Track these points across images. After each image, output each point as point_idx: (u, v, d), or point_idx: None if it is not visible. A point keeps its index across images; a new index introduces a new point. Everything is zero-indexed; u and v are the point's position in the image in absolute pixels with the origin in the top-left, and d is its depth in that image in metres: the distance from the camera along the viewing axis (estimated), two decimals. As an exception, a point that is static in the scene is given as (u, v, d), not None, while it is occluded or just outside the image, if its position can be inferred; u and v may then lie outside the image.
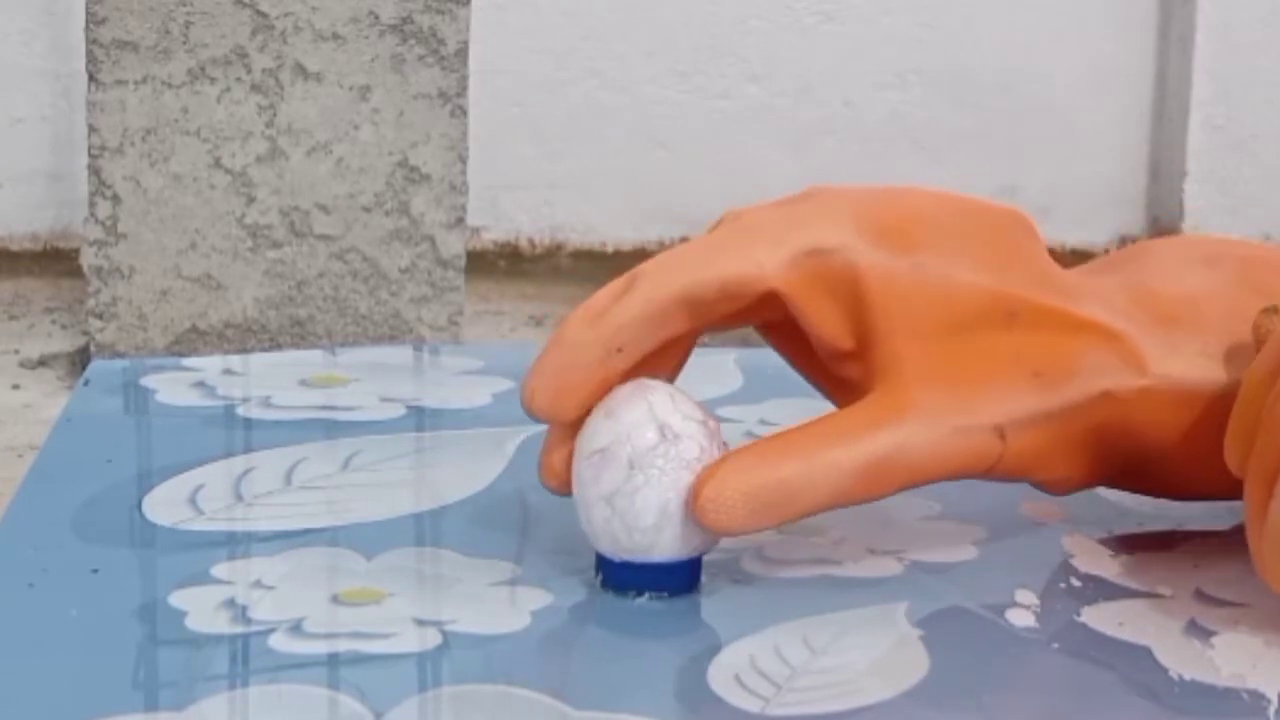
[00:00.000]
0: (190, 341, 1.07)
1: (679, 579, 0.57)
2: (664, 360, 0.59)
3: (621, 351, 0.57)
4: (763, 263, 0.57)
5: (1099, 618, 0.57)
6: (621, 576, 0.57)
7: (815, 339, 0.59)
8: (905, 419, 0.57)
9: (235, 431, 0.73)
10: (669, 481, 0.56)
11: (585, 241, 1.92)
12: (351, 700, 0.50)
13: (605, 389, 0.57)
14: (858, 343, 0.58)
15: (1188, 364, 0.59)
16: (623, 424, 0.56)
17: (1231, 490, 0.58)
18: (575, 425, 0.58)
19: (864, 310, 0.58)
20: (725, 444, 0.57)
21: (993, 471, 0.59)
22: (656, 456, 0.56)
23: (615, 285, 0.58)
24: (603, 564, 0.58)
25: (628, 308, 0.57)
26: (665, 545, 0.56)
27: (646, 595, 0.57)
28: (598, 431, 0.57)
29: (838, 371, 0.60)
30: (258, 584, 0.58)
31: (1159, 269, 0.62)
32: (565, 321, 0.58)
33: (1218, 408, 0.59)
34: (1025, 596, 0.58)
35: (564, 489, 0.58)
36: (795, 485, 0.56)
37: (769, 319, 0.60)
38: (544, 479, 0.59)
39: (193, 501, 0.65)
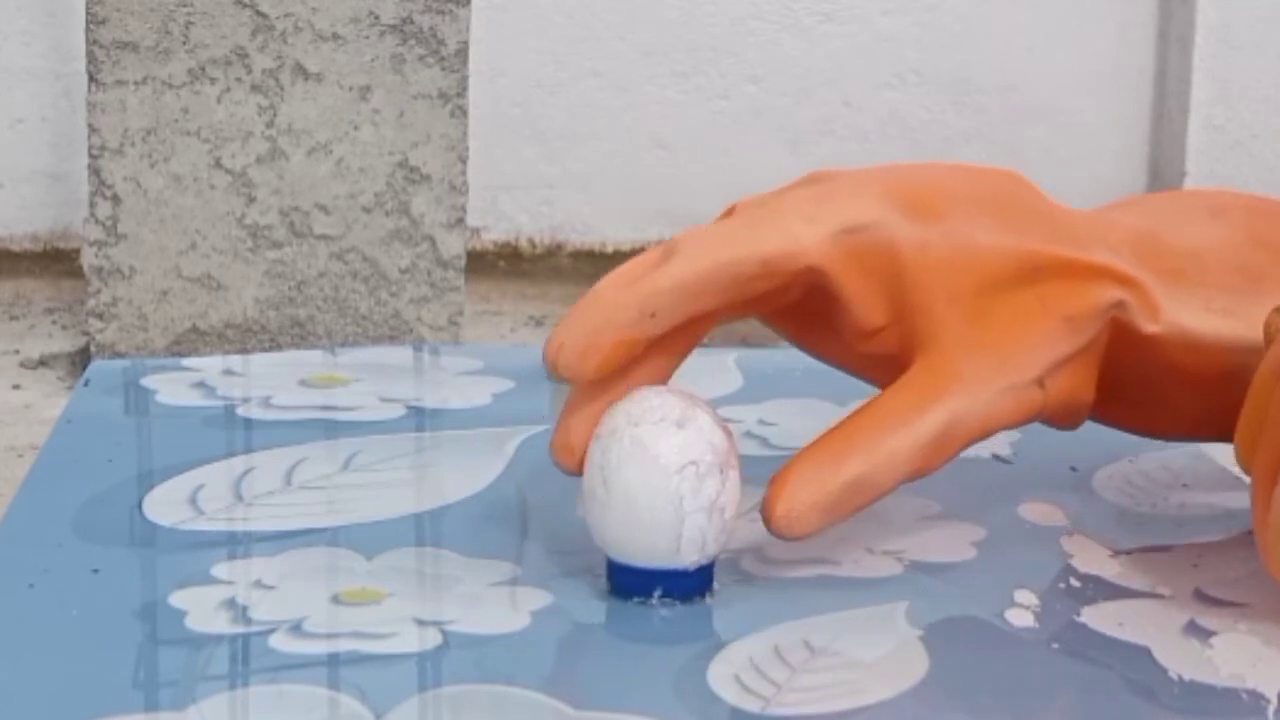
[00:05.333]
0: (190, 341, 1.07)
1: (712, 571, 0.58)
2: (675, 346, 0.59)
3: (655, 317, 0.57)
4: (802, 238, 0.58)
5: (1099, 618, 0.57)
6: (694, 583, 0.57)
7: (848, 317, 0.59)
8: (954, 390, 0.58)
9: (235, 431, 0.73)
10: (736, 476, 0.57)
11: (585, 241, 1.91)
12: (351, 700, 0.50)
13: (631, 354, 0.57)
14: (893, 316, 0.59)
15: (1195, 318, 0.61)
16: (700, 432, 0.56)
17: (1210, 431, 0.61)
18: (594, 403, 0.57)
19: (901, 284, 0.59)
20: None
21: (1035, 419, 0.60)
22: (731, 456, 0.57)
23: (650, 254, 0.57)
24: (671, 576, 0.57)
25: (668, 274, 0.57)
26: (727, 540, 0.57)
27: (706, 597, 0.58)
28: (678, 445, 0.56)
29: (864, 349, 0.60)
30: (258, 584, 0.58)
31: (1165, 219, 0.63)
32: (598, 285, 0.57)
33: (1221, 360, 0.60)
34: (1025, 596, 0.58)
35: (579, 469, 0.58)
36: (862, 484, 0.57)
37: (790, 302, 0.60)
38: (560, 458, 0.58)
39: (193, 501, 0.65)
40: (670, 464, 0.56)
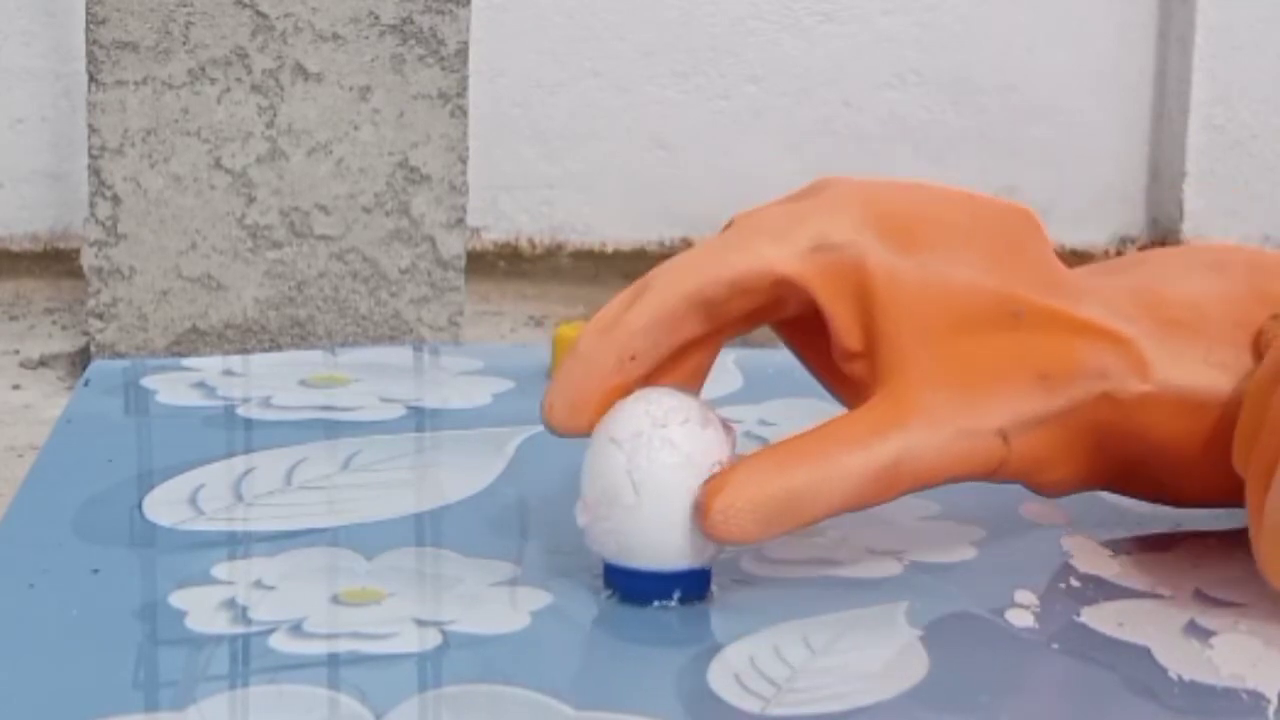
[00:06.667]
0: (190, 342, 1.07)
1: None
2: (685, 367, 0.59)
3: (635, 359, 0.57)
4: (768, 256, 0.57)
5: (1099, 618, 0.57)
6: (706, 582, 0.58)
7: (831, 334, 0.59)
8: (911, 424, 0.56)
9: (235, 431, 0.73)
10: None
11: (585, 241, 1.91)
12: (351, 700, 0.50)
13: (620, 398, 0.57)
14: (865, 343, 0.58)
15: (1191, 371, 0.59)
16: (718, 431, 0.57)
17: (1229, 497, 0.58)
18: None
19: (871, 308, 0.58)
20: None
21: (996, 475, 0.58)
22: (735, 453, 0.57)
23: (625, 294, 0.58)
24: (690, 577, 0.57)
25: (639, 314, 0.57)
26: None
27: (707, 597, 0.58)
28: (706, 444, 0.56)
29: (845, 370, 0.59)
30: (258, 584, 0.58)
31: (1165, 272, 0.61)
32: (580, 335, 0.57)
33: (1219, 416, 0.58)
34: (1025, 597, 0.58)
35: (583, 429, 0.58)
36: (803, 495, 0.56)
37: (783, 316, 0.60)
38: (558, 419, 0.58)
39: (193, 501, 0.65)
40: (702, 463, 0.56)
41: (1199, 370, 0.59)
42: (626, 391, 0.57)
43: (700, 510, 0.55)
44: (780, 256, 0.57)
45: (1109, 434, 0.59)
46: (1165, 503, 0.63)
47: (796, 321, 0.61)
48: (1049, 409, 0.58)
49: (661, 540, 0.56)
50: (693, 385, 0.59)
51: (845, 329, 0.58)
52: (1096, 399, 0.58)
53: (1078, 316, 0.58)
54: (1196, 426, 0.59)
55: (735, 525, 0.55)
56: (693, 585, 0.57)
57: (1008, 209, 0.60)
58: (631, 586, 0.57)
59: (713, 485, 0.55)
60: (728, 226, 0.59)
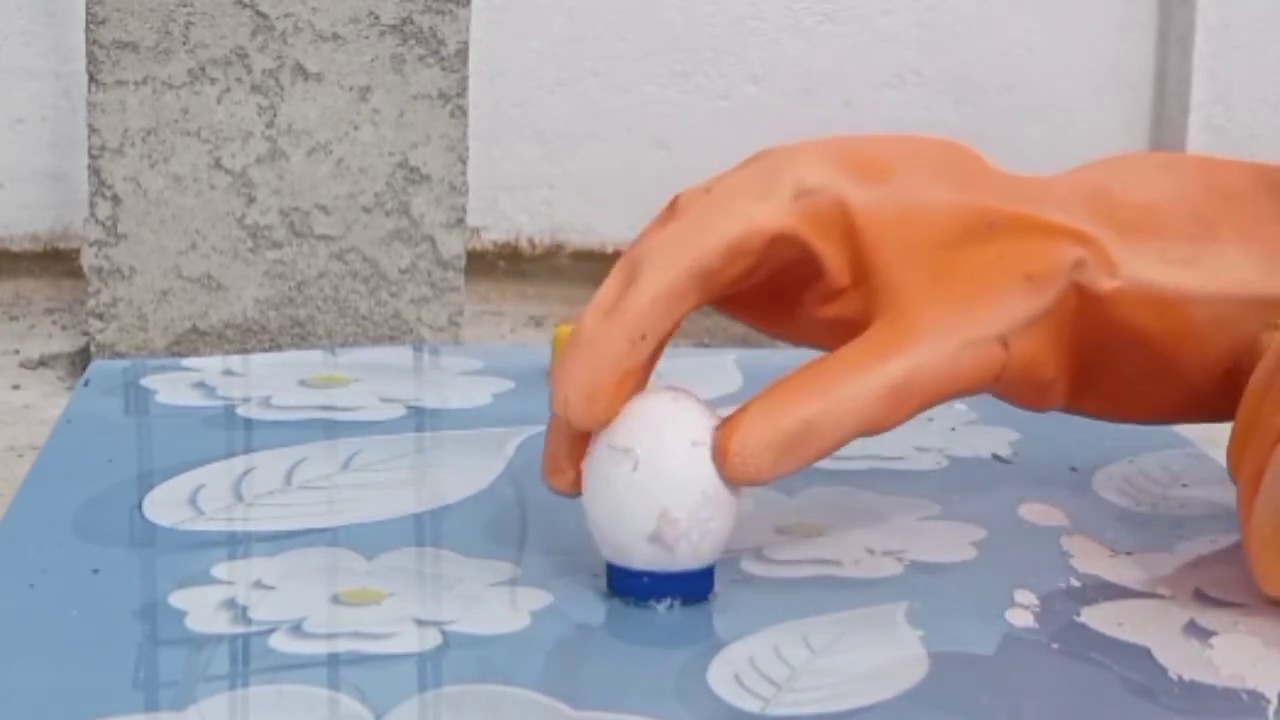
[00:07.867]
0: (190, 342, 1.07)
1: None
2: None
3: (645, 339, 0.57)
4: (757, 216, 0.58)
5: (1098, 618, 0.57)
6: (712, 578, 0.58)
7: (821, 277, 0.59)
8: (914, 342, 0.57)
9: (235, 431, 0.73)
10: None
11: (585, 241, 1.91)
12: (351, 700, 0.50)
13: (633, 381, 0.57)
14: (854, 277, 0.59)
15: (1151, 269, 0.60)
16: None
17: (1201, 409, 0.61)
18: (586, 434, 0.58)
19: (857, 242, 0.59)
20: None
21: (997, 383, 0.59)
22: None
23: (615, 277, 0.58)
24: (711, 575, 0.57)
25: (643, 293, 0.57)
26: None
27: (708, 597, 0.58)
28: None
29: (833, 314, 0.60)
30: (258, 584, 0.58)
31: (1117, 175, 0.63)
32: (580, 323, 0.57)
33: (1184, 311, 0.60)
34: (1025, 596, 0.58)
35: (574, 488, 0.58)
36: (818, 424, 0.56)
37: (761, 278, 0.60)
38: (553, 483, 0.59)
39: (193, 501, 0.65)
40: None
41: (1160, 268, 0.60)
42: (637, 374, 0.57)
43: (718, 453, 0.55)
44: (768, 213, 0.58)
45: (1089, 329, 0.60)
46: (1144, 419, 0.64)
47: (745, 295, 0.61)
48: (1038, 308, 0.59)
49: (728, 532, 0.56)
50: (657, 359, 0.59)
51: (835, 268, 0.59)
52: (1075, 291, 0.59)
53: (1046, 219, 0.60)
54: (1163, 323, 0.60)
55: (753, 463, 0.55)
56: (712, 579, 0.58)
57: (941, 140, 0.62)
58: (701, 584, 0.57)
59: (726, 428, 0.56)
60: (671, 206, 0.60)
